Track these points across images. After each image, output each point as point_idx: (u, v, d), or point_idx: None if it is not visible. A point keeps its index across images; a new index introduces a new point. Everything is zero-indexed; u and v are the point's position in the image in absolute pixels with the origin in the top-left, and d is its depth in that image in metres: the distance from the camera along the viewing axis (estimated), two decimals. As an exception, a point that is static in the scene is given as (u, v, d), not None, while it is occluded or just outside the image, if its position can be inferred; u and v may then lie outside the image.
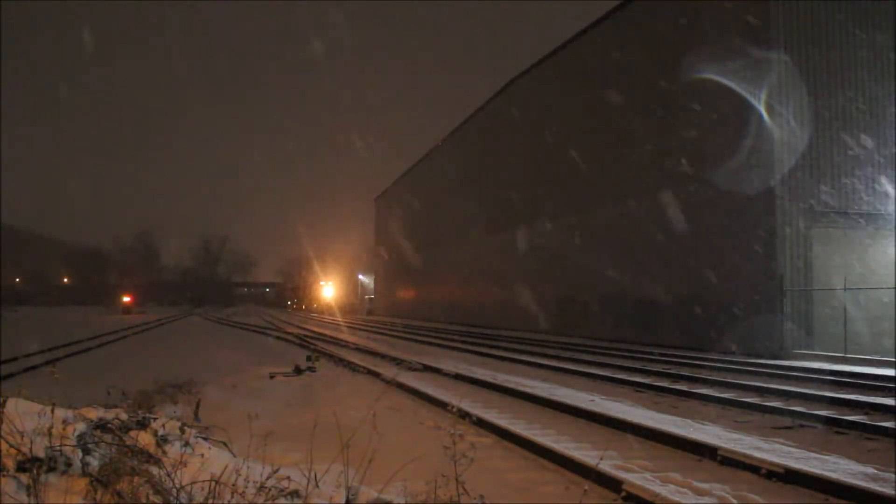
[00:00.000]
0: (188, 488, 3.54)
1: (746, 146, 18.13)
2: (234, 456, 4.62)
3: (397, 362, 16.34)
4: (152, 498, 3.43)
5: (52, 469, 3.50)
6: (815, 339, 17.17)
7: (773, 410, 9.10)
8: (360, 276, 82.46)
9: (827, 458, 6.39)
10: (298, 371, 14.43)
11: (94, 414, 4.29)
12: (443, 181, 46.73)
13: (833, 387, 11.14)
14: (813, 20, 18.25)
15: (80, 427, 3.92)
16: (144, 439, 4.10)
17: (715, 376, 12.71)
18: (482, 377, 12.71)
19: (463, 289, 41.21)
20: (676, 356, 16.57)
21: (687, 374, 13.24)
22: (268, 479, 3.78)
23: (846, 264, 17.63)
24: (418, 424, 8.44)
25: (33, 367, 14.94)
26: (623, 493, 5.24)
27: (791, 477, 5.61)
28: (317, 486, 4.06)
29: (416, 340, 25.40)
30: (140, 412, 4.62)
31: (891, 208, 18.15)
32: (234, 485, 3.59)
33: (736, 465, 6.12)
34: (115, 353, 20.86)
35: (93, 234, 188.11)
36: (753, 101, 17.81)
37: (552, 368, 14.86)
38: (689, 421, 8.37)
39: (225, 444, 5.08)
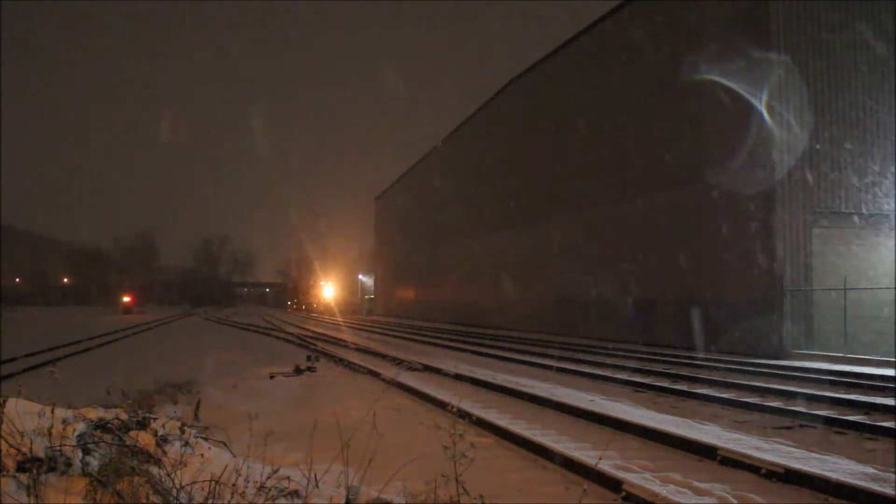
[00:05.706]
0: (188, 488, 3.54)
1: (746, 146, 18.12)
2: (234, 456, 4.62)
3: (397, 362, 16.33)
4: (152, 498, 3.43)
5: (52, 469, 3.50)
6: (815, 339, 17.18)
7: (773, 410, 9.10)
8: (360, 276, 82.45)
9: (827, 458, 6.39)
10: (298, 371, 14.44)
11: (94, 414, 4.28)
12: (443, 181, 46.73)
13: (833, 387, 11.15)
14: (813, 20, 18.25)
15: (80, 427, 3.92)
16: (144, 439, 4.10)
17: (715, 376, 12.71)
18: (482, 377, 12.71)
19: (463, 289, 41.20)
20: (676, 356, 16.58)
21: (687, 374, 13.24)
22: (268, 479, 3.78)
23: (846, 264, 17.63)
24: (418, 424, 8.44)
25: (33, 367, 14.96)
26: (623, 493, 5.24)
27: (791, 477, 5.61)
28: (317, 486, 4.07)
29: (417, 340, 25.39)
30: (140, 412, 4.61)
31: (891, 208, 18.15)
32: (234, 485, 3.59)
33: (736, 465, 6.12)
34: (115, 353, 20.84)
35: (93, 234, 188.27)
36: (753, 101, 17.81)
37: (552, 368, 14.85)
38: (689, 421, 8.37)
39: (225, 444, 5.08)
